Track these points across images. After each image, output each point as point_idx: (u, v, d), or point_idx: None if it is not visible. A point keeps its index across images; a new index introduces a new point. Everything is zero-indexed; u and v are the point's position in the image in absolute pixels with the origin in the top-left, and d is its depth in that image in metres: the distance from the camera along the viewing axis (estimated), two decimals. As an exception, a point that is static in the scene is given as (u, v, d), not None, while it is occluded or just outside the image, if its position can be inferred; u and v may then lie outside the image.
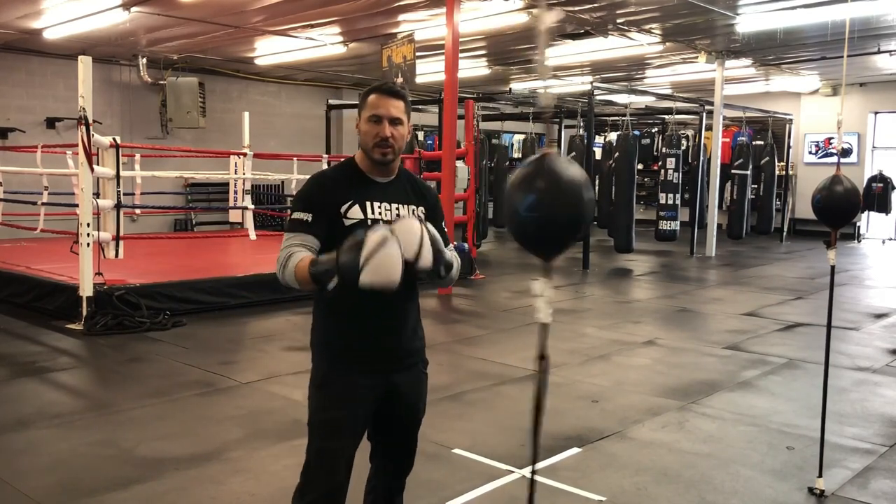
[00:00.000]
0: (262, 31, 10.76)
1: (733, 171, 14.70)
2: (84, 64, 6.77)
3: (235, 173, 11.64)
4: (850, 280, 10.44)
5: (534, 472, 1.72)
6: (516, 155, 18.33)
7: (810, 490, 3.51)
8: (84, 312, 6.75)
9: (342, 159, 2.47)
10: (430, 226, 2.16)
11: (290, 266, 2.17)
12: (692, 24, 10.10)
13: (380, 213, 2.30)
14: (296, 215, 2.27)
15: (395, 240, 1.99)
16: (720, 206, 14.25)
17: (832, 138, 16.68)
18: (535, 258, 1.58)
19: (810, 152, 17.18)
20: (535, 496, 1.67)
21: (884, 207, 15.69)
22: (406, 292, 2.22)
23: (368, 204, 2.29)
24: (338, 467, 2.31)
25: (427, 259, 2.08)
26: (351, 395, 2.30)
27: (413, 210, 2.37)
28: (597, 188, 14.42)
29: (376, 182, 2.34)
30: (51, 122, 12.51)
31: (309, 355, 2.42)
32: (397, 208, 2.33)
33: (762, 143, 15.72)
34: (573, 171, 1.54)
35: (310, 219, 2.25)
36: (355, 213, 2.27)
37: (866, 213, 16.00)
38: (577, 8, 9.16)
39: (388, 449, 2.47)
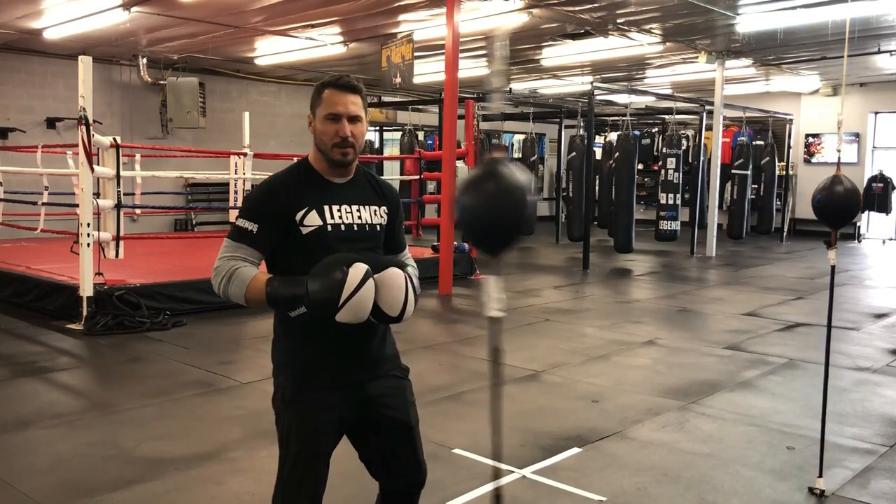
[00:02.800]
0: (262, 31, 10.76)
1: (733, 171, 14.71)
2: (84, 64, 6.77)
3: (235, 173, 11.64)
4: (850, 280, 10.44)
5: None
6: (516, 155, 18.35)
7: (810, 490, 3.51)
8: (84, 312, 6.75)
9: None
10: (410, 271, 2.12)
11: (239, 281, 2.07)
12: (692, 24, 10.10)
13: (339, 217, 2.17)
14: (241, 223, 2.12)
15: (372, 277, 1.98)
16: (720, 206, 14.25)
17: (821, 144, 16.78)
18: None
19: (810, 152, 17.21)
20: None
21: (884, 207, 15.69)
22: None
23: (326, 208, 2.15)
24: (315, 479, 2.19)
25: (410, 311, 2.07)
26: (322, 406, 2.16)
27: (375, 211, 2.25)
28: (597, 188, 14.44)
29: (333, 183, 2.20)
30: (51, 122, 12.51)
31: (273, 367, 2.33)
32: (358, 210, 2.21)
33: (762, 143, 15.72)
34: (518, 175, 1.67)
35: (255, 230, 2.11)
36: (312, 219, 2.13)
37: (866, 213, 16.00)
38: (577, 8, 9.16)
39: (379, 461, 2.30)
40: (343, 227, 2.17)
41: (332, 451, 2.24)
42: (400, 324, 2.13)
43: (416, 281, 2.14)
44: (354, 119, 2.14)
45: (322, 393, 2.17)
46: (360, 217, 2.21)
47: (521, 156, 17.55)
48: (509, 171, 1.65)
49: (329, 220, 2.15)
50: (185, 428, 4.34)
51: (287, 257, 2.16)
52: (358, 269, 1.95)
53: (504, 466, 3.73)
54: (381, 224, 2.26)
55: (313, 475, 2.19)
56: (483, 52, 12.30)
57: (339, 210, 2.18)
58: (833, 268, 3.57)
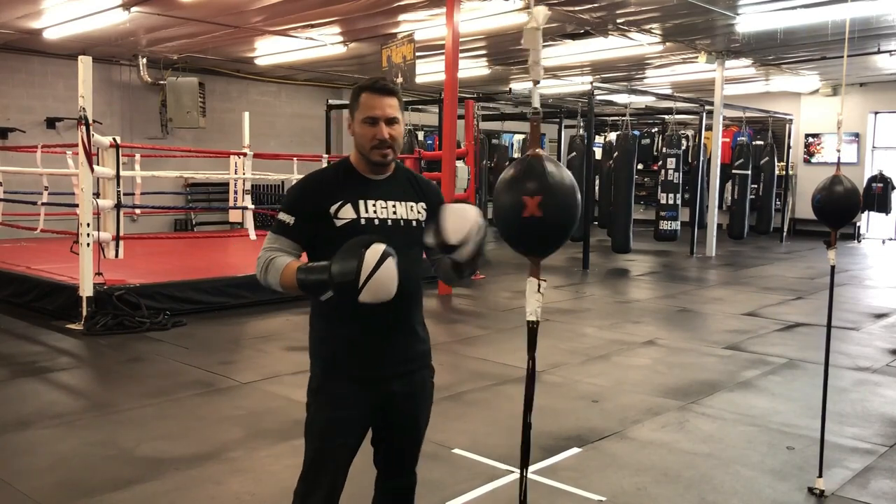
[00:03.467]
0: (262, 31, 10.76)
1: (734, 171, 14.71)
2: (84, 64, 6.77)
3: (235, 173, 11.64)
4: (850, 280, 10.44)
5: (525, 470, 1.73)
6: (516, 155, 18.35)
7: (810, 490, 3.51)
8: (84, 312, 6.75)
9: (339, 158, 2.41)
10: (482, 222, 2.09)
11: (274, 269, 2.15)
12: (692, 24, 10.10)
13: (374, 212, 2.21)
14: (280, 216, 2.23)
15: (391, 257, 1.96)
16: (720, 206, 14.25)
17: (821, 144, 16.81)
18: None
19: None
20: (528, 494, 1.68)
21: (884, 207, 15.69)
22: (408, 289, 2.13)
23: (361, 202, 2.21)
24: (333, 472, 2.26)
25: (469, 247, 2.04)
26: (346, 400, 2.22)
27: (412, 207, 2.28)
28: (597, 188, 14.44)
29: (371, 180, 2.25)
30: (51, 122, 12.51)
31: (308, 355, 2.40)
32: (394, 205, 2.25)
33: (762, 143, 15.72)
34: (565, 173, 1.62)
35: (292, 222, 2.20)
36: (346, 212, 2.19)
37: (866, 213, 16.00)
38: (577, 8, 9.15)
39: (388, 456, 2.38)
40: (377, 222, 2.21)
41: (358, 445, 2.29)
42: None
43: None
44: (391, 121, 2.19)
45: (346, 385, 2.23)
46: (395, 212, 2.25)
47: (520, 156, 17.55)
48: (554, 168, 1.59)
49: (363, 214, 2.20)
50: (185, 428, 4.34)
51: (323, 249, 2.20)
52: (375, 250, 1.94)
53: (504, 466, 3.73)
54: (417, 220, 2.29)
55: (331, 471, 2.26)
56: (483, 52, 12.30)
57: (374, 205, 2.22)
58: (833, 268, 3.57)
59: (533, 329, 1.64)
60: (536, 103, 1.63)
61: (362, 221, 2.19)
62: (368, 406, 2.26)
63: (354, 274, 1.93)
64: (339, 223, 2.19)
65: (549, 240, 1.68)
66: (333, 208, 2.19)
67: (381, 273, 1.93)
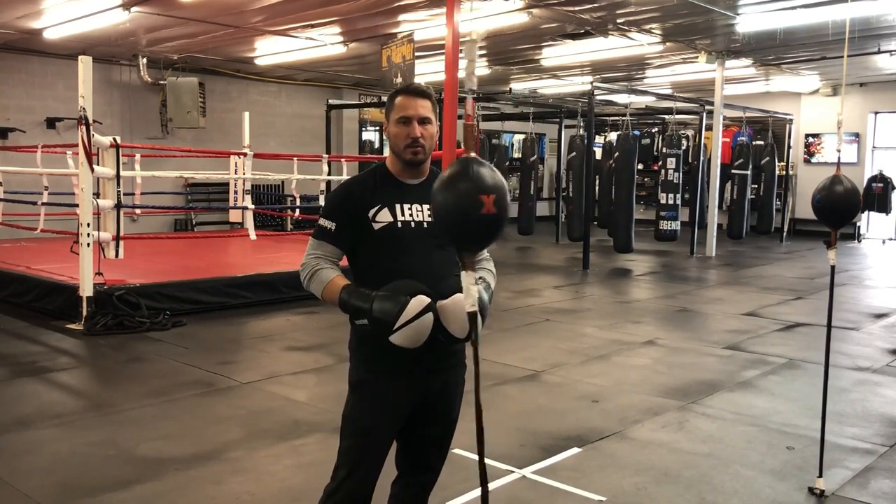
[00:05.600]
0: (262, 31, 10.75)
1: (733, 171, 14.71)
2: (84, 64, 6.78)
3: (235, 173, 11.64)
4: (850, 280, 10.44)
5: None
6: (516, 155, 18.35)
7: (810, 490, 3.51)
8: (84, 312, 6.75)
9: (376, 162, 2.47)
10: (483, 293, 2.16)
11: (318, 281, 2.26)
12: (692, 24, 10.10)
13: (409, 215, 2.30)
14: (321, 222, 2.32)
15: (432, 310, 2.07)
16: (720, 206, 14.24)
17: (821, 144, 16.81)
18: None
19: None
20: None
21: (884, 207, 15.69)
22: (445, 290, 2.16)
23: (398, 206, 2.29)
24: (366, 468, 2.29)
25: (473, 332, 2.13)
26: (383, 398, 2.28)
27: None
28: (597, 188, 14.44)
29: (406, 184, 2.34)
30: (51, 122, 12.51)
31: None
32: (429, 209, 2.30)
33: (762, 143, 15.72)
34: (495, 175, 1.74)
35: (333, 228, 2.30)
36: (384, 216, 2.27)
37: (866, 213, 16.00)
38: (577, 8, 9.15)
39: (417, 450, 2.42)
40: (413, 225, 2.30)
41: (392, 441, 2.36)
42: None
43: (491, 284, 2.27)
44: (424, 121, 2.29)
45: (385, 380, 2.28)
46: (430, 215, 2.31)
47: (521, 156, 17.55)
48: (486, 170, 1.73)
49: (399, 218, 2.29)
50: (185, 428, 4.34)
51: (363, 251, 2.31)
52: (418, 301, 2.07)
53: (504, 466, 3.73)
54: None
55: (365, 466, 2.30)
56: (483, 52, 12.30)
57: (409, 208, 2.31)
58: (833, 268, 3.57)
59: (473, 317, 1.84)
60: (470, 110, 1.80)
61: (399, 224, 2.28)
62: (406, 401, 2.31)
63: (394, 317, 2.06)
64: (376, 226, 2.27)
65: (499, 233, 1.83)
66: (372, 212, 2.28)
67: (417, 324, 2.07)
